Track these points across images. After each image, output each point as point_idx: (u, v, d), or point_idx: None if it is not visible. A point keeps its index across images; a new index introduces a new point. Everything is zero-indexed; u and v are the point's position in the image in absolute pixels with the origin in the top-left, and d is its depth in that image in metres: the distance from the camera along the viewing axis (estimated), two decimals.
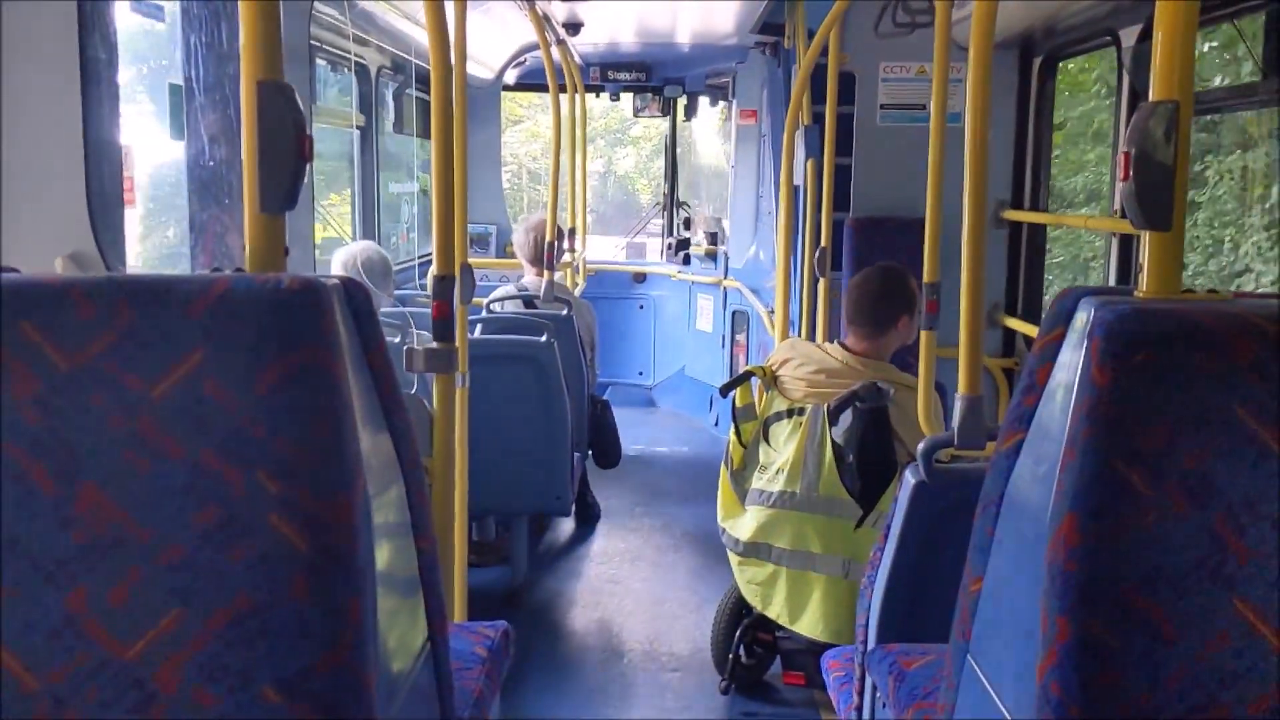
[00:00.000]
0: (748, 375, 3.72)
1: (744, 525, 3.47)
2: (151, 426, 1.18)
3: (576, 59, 7.17)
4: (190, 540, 1.18)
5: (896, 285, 3.50)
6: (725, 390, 3.79)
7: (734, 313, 7.63)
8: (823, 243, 4.59)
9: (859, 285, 3.54)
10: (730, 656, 3.82)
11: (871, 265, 3.65)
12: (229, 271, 1.26)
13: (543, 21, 5.12)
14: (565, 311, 4.92)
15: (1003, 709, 1.37)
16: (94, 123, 2.17)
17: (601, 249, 10.03)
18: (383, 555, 1.32)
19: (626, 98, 8.70)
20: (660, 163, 12.00)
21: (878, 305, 3.48)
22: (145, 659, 1.18)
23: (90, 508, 1.18)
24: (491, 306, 5.07)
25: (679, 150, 9.30)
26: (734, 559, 3.56)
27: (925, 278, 2.86)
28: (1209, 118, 7.59)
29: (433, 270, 2.53)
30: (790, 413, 3.46)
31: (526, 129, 20.51)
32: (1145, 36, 3.81)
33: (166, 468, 1.18)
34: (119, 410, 1.18)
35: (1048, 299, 4.95)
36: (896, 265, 3.60)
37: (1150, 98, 1.35)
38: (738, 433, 3.68)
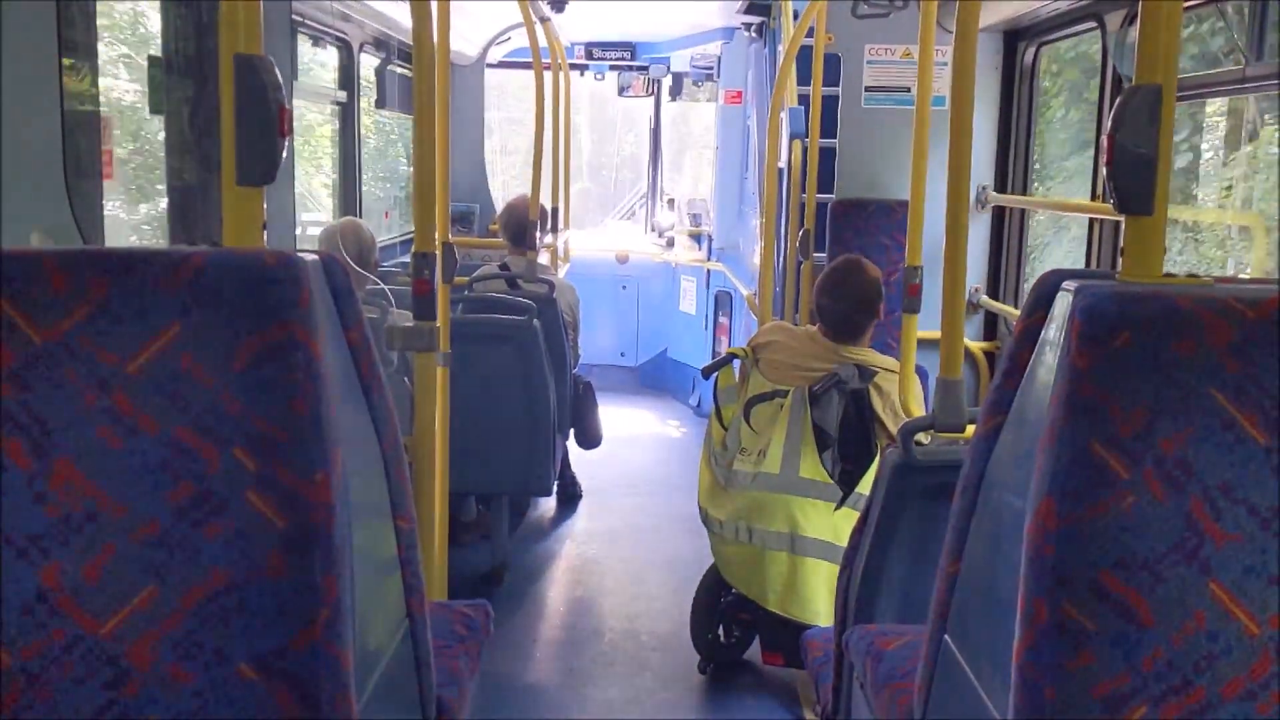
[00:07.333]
0: (730, 357, 3.72)
1: (724, 506, 3.48)
2: (126, 402, 1.16)
3: (561, 37, 7.12)
4: (165, 516, 1.17)
5: (863, 288, 3.44)
6: (708, 372, 3.78)
7: (717, 294, 7.62)
8: (806, 225, 4.58)
9: (829, 298, 3.46)
10: (709, 636, 3.83)
11: (833, 265, 3.58)
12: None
13: None
14: (549, 292, 4.90)
15: (979, 690, 1.38)
16: (72, 95, 2.14)
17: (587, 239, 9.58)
18: (361, 533, 1.32)
19: (611, 77, 8.66)
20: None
21: (853, 315, 3.44)
22: (119, 636, 1.17)
23: (64, 483, 1.16)
24: (474, 286, 5.05)
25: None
26: (714, 540, 3.56)
27: (908, 261, 2.86)
28: None
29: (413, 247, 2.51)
30: (772, 395, 3.46)
31: None
32: (1130, 21, 3.81)
33: (142, 443, 1.17)
34: (93, 385, 1.16)
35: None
36: (854, 263, 3.53)
37: (1134, 82, 1.35)
38: (719, 414, 3.68)
